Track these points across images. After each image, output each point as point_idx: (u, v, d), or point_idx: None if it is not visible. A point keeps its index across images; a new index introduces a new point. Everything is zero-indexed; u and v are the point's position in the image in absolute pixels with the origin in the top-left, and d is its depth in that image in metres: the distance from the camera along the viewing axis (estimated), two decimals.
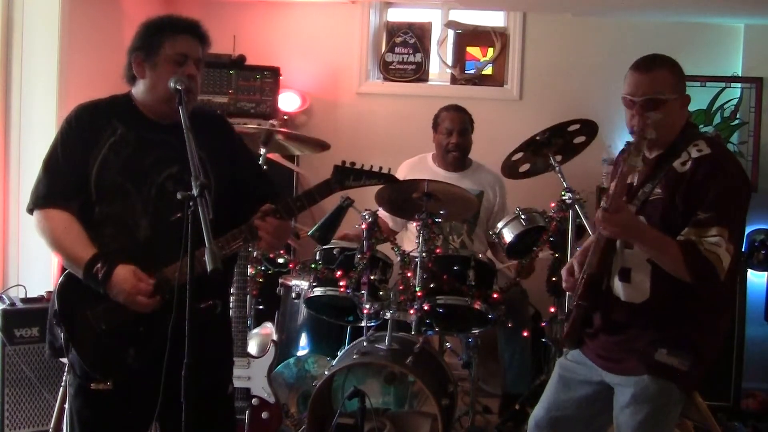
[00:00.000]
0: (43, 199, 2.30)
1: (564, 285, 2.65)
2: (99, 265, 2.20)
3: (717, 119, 4.80)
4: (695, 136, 2.44)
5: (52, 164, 2.32)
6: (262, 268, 3.79)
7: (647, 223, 2.38)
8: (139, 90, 2.35)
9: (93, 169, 2.27)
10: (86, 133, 2.31)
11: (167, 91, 2.26)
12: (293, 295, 3.89)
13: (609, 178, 2.75)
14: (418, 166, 4.32)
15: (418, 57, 5.23)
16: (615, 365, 2.48)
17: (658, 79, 2.40)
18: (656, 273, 2.38)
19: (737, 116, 4.79)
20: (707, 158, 2.35)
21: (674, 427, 2.52)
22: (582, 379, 2.59)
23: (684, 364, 2.37)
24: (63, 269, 2.32)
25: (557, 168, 3.80)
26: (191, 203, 2.01)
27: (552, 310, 3.81)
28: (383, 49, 5.29)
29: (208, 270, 1.92)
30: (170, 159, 2.29)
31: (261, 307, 3.86)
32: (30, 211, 2.34)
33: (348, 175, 2.38)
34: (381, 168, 2.43)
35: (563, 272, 2.65)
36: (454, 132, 4.21)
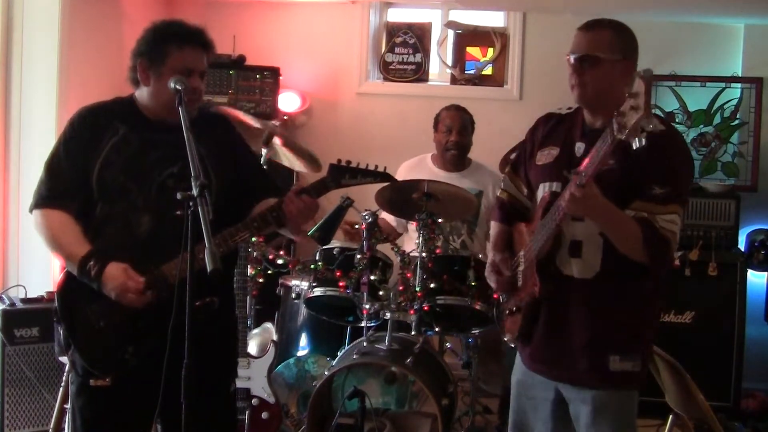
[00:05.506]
0: (44, 199, 2.34)
1: (495, 286, 2.56)
2: (92, 263, 2.23)
3: (717, 119, 4.80)
4: None
5: (54, 165, 2.35)
6: (262, 269, 3.79)
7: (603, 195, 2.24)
8: (143, 95, 2.38)
9: (95, 168, 2.30)
10: (88, 135, 2.34)
11: (171, 100, 2.26)
12: (293, 295, 3.88)
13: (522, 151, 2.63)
14: (417, 167, 4.30)
15: (418, 57, 5.23)
16: (563, 373, 2.38)
17: (597, 38, 2.33)
18: (607, 246, 2.28)
19: (737, 116, 4.78)
20: (663, 133, 2.24)
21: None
22: (543, 397, 2.48)
23: (637, 366, 2.33)
24: (65, 269, 2.35)
25: None
26: (191, 203, 2.02)
27: None
28: (383, 49, 5.29)
29: (208, 270, 1.93)
30: (171, 158, 2.30)
31: (260, 307, 3.86)
32: (31, 210, 2.37)
33: (344, 174, 2.40)
34: (377, 166, 2.43)
35: (488, 274, 2.56)
36: (454, 130, 4.20)
